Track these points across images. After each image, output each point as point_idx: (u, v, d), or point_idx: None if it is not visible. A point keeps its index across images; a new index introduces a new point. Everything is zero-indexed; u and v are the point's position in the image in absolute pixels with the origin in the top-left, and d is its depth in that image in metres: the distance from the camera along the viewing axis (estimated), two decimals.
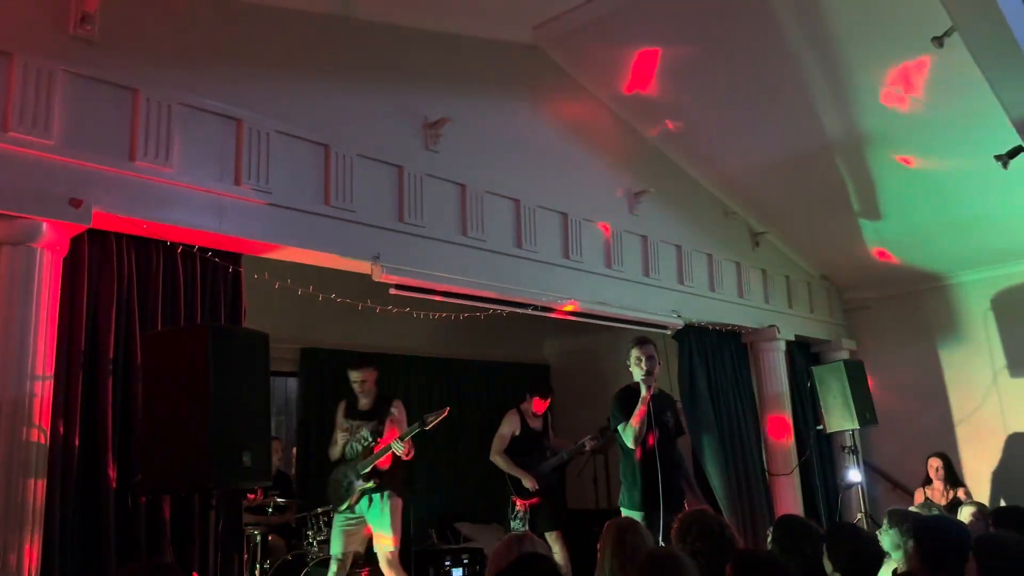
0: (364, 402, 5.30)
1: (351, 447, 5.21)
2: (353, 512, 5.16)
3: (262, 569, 5.89)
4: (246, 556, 5.92)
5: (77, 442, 3.31)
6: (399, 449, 4.98)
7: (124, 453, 3.43)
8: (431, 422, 5.09)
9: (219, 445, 2.86)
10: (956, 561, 2.74)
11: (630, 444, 4.77)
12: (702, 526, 3.15)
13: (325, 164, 4.24)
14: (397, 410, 5.29)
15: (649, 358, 4.93)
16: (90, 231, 3.49)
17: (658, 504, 4.63)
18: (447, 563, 7.26)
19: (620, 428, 4.85)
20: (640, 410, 4.76)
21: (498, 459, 6.46)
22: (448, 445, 8.36)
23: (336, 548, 5.11)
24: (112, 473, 3.35)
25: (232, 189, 3.88)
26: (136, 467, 3.28)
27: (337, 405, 5.43)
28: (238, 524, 3.68)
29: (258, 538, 5.92)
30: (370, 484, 5.04)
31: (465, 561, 7.37)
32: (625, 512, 4.80)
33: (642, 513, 4.70)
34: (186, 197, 3.71)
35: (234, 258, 4.00)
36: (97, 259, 3.55)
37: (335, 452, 5.33)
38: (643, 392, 4.79)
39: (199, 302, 3.84)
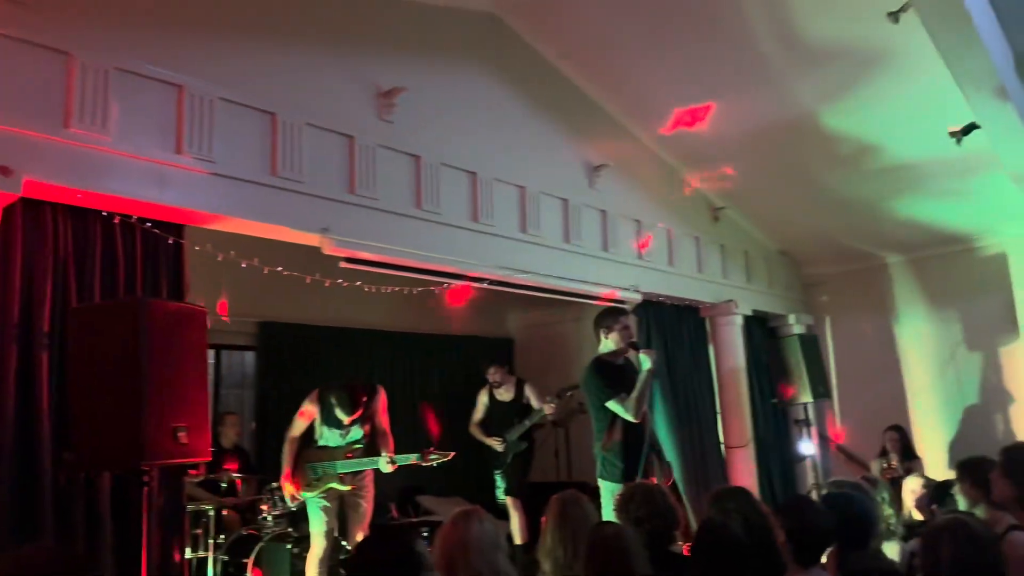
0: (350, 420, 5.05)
1: (336, 437, 5.06)
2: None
3: (215, 544, 5.83)
4: (200, 532, 5.87)
5: (12, 418, 3.22)
6: (385, 468, 4.91)
7: (61, 429, 3.33)
8: (430, 461, 4.94)
9: (153, 422, 2.78)
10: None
11: (633, 418, 4.63)
12: (645, 495, 3.16)
13: (272, 133, 4.12)
14: (381, 403, 5.16)
15: (634, 330, 4.95)
16: (23, 200, 3.36)
17: (640, 475, 4.63)
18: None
19: (615, 402, 4.68)
20: (647, 382, 4.69)
21: (473, 430, 6.79)
22: (410, 419, 8.33)
23: (318, 524, 4.96)
24: (48, 449, 3.25)
25: (173, 158, 3.76)
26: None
27: (313, 395, 5.14)
28: (179, 501, 3.61)
29: (211, 513, 5.86)
30: (346, 488, 4.97)
31: (425, 534, 7.34)
32: (605, 484, 4.73)
33: (623, 485, 4.65)
34: (125, 166, 3.59)
35: (176, 229, 3.89)
36: (31, 230, 3.42)
37: (295, 436, 5.15)
38: (647, 364, 4.71)
39: (139, 275, 3.74)
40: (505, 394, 6.45)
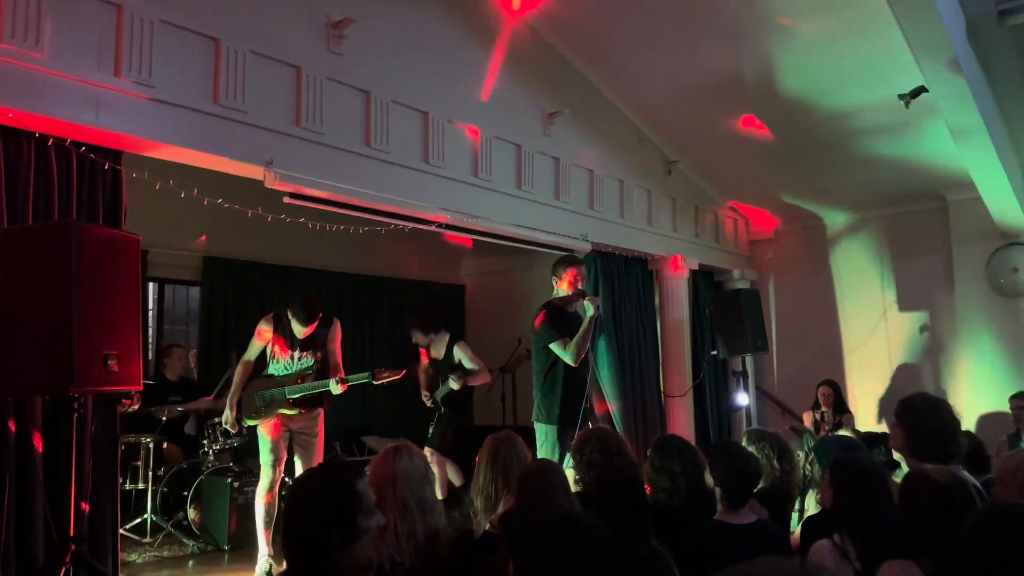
0: (305, 330, 4.91)
1: (284, 366, 4.96)
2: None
3: (154, 476, 5.84)
4: (139, 463, 5.86)
5: None
6: (336, 390, 4.87)
7: None
8: (382, 379, 4.91)
9: (82, 348, 2.75)
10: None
11: (572, 361, 4.71)
12: (601, 440, 3.25)
13: (215, 59, 4.00)
14: (336, 332, 5.10)
15: (584, 279, 4.98)
16: None
17: (576, 420, 4.72)
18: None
19: (557, 345, 4.75)
20: (588, 328, 4.75)
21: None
22: (358, 360, 8.34)
23: (265, 455, 4.87)
24: None
25: (111, 81, 3.64)
26: None
27: (267, 318, 5.00)
28: (112, 429, 3.59)
29: (151, 445, 5.85)
30: (294, 412, 4.93)
31: (367, 474, 7.46)
32: (540, 427, 4.82)
33: (557, 427, 4.75)
34: (59, 86, 3.47)
35: (113, 155, 3.78)
36: None
37: (249, 359, 5.02)
38: (591, 311, 4.76)
39: (75, 200, 3.64)
40: (435, 351, 6.39)
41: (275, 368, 4.98)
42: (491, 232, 5.73)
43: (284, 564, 2.03)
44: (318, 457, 5.00)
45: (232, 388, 4.97)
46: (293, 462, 5.09)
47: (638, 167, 7.02)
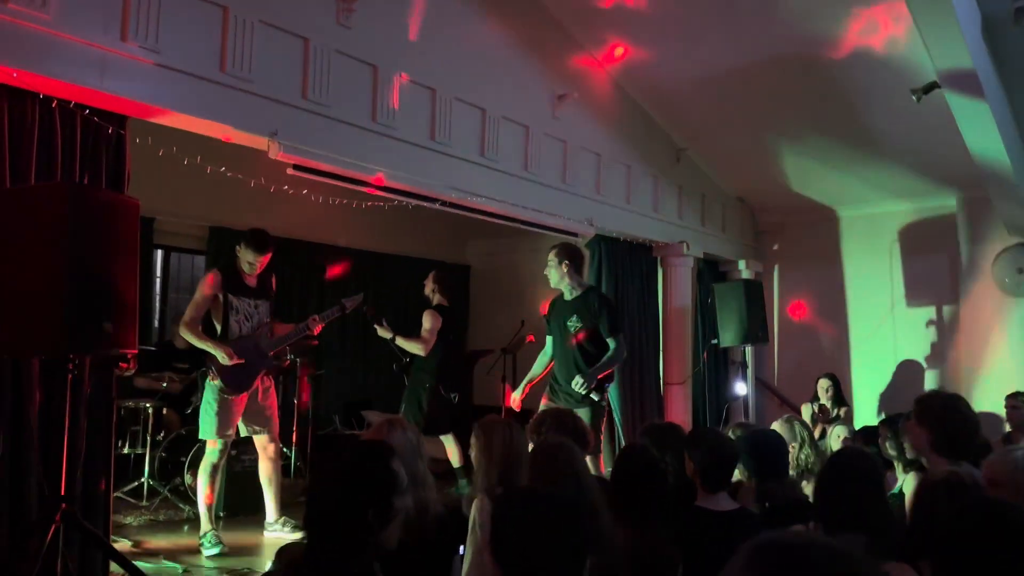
0: (251, 279, 4.86)
1: (248, 328, 4.82)
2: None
3: (153, 442, 5.89)
4: (138, 428, 5.91)
5: None
6: (312, 328, 4.88)
7: None
8: (350, 307, 5.11)
9: (76, 310, 2.77)
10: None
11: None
12: (556, 419, 3.26)
13: (223, 27, 3.98)
14: (274, 282, 5.05)
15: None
16: None
17: None
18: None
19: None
20: None
21: None
22: (360, 335, 8.38)
23: (217, 429, 4.65)
24: None
25: (117, 44, 3.62)
26: None
27: (208, 277, 4.77)
28: (108, 393, 3.61)
29: (150, 411, 5.89)
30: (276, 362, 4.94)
31: None
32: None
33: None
34: (64, 48, 3.46)
35: (118, 120, 3.78)
36: None
37: (187, 322, 4.64)
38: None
39: (78, 164, 3.65)
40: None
41: (230, 327, 4.71)
42: (495, 213, 5.72)
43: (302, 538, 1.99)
44: (275, 423, 4.94)
45: (204, 345, 4.63)
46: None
47: (646, 153, 6.99)
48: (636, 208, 6.89)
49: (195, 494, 5.73)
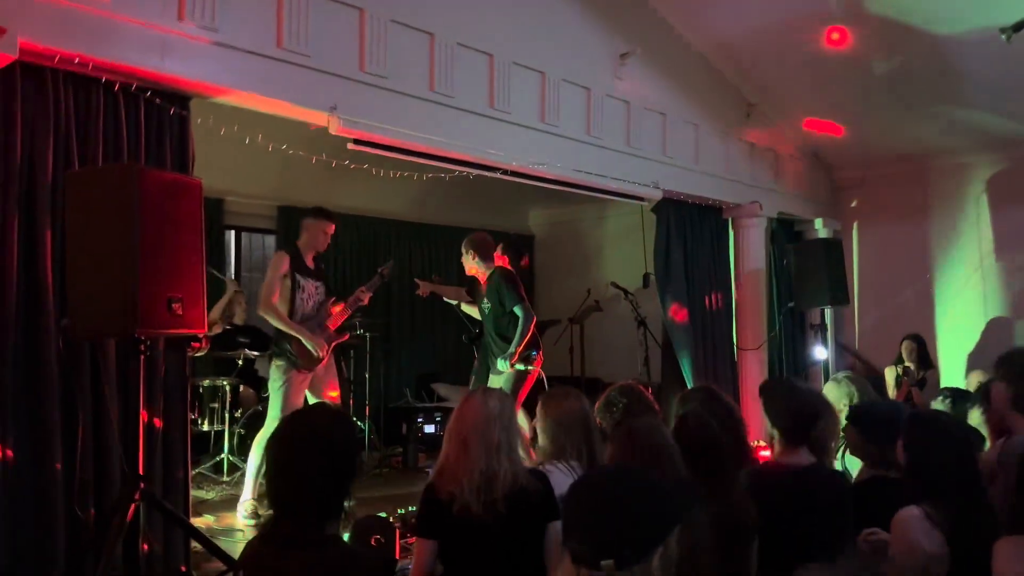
0: (311, 258, 4.95)
1: (311, 306, 4.90)
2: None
3: (231, 418, 6.04)
4: (215, 405, 6.07)
5: (16, 285, 3.25)
6: (363, 300, 5.11)
7: (64, 296, 3.36)
8: (386, 273, 5.28)
9: (146, 290, 2.79)
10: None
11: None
12: (631, 395, 3.18)
13: (278, 2, 3.95)
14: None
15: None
16: (22, 64, 3.29)
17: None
18: (419, 420, 7.45)
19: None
20: None
21: None
22: (428, 309, 8.41)
23: (283, 408, 4.64)
24: (52, 315, 3.30)
25: (176, 25, 3.63)
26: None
27: (277, 256, 4.91)
28: (182, 371, 3.67)
29: (227, 388, 6.03)
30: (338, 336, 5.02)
31: (438, 419, 7.56)
32: None
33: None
34: (125, 31, 3.48)
35: (180, 101, 3.81)
36: (32, 95, 3.36)
37: (273, 305, 4.71)
38: None
39: (143, 146, 3.69)
40: None
41: (298, 309, 4.80)
42: (557, 179, 5.60)
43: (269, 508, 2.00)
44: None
45: (289, 331, 4.72)
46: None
47: (714, 110, 6.72)
48: (705, 168, 6.66)
49: None
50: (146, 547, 3.00)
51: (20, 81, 3.32)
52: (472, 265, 5.41)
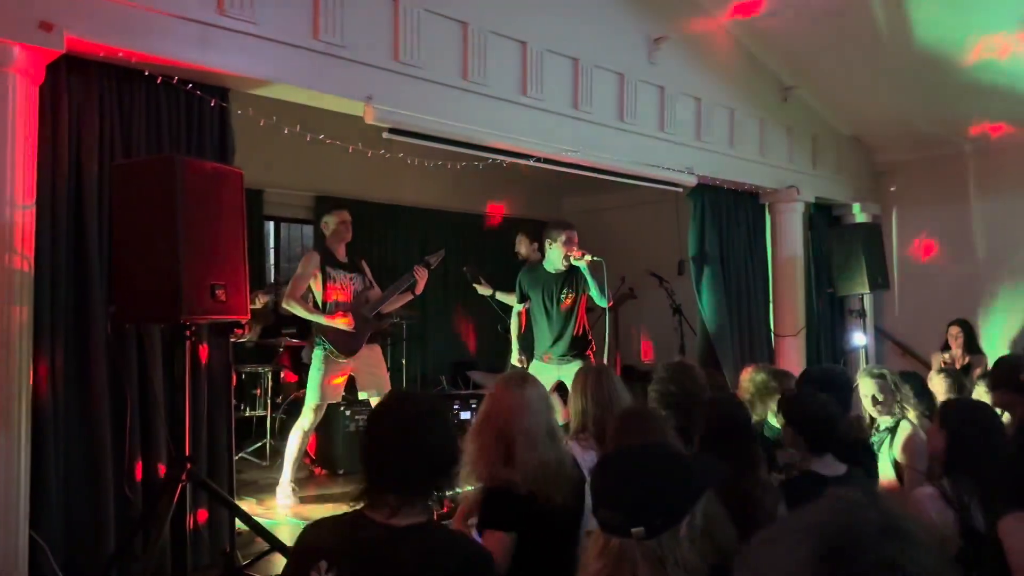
0: (342, 251, 5.08)
1: (340, 294, 5.00)
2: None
3: (273, 404, 6.17)
4: (258, 392, 6.21)
5: (65, 272, 3.38)
6: (417, 289, 5.12)
7: (111, 283, 3.47)
8: (434, 262, 5.20)
9: (189, 277, 2.87)
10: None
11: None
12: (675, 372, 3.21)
13: None
14: (365, 263, 5.26)
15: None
16: (68, 60, 3.39)
17: None
18: (456, 407, 7.52)
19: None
20: None
21: None
22: (464, 297, 8.48)
23: (320, 395, 4.88)
24: (100, 302, 3.41)
25: (215, 18, 3.70)
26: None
27: (308, 255, 5.08)
28: (226, 357, 3.77)
29: (268, 375, 6.17)
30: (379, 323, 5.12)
31: (474, 406, 7.62)
32: None
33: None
34: (165, 25, 3.56)
35: (220, 93, 3.89)
36: (77, 89, 3.48)
37: (297, 298, 4.83)
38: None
39: (184, 138, 3.78)
40: None
41: (332, 301, 4.94)
42: (590, 166, 5.59)
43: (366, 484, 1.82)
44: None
45: (314, 318, 4.86)
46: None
47: (750, 94, 6.64)
48: (741, 153, 6.59)
49: (313, 453, 6.01)
50: (192, 526, 3.09)
51: (67, 75, 3.44)
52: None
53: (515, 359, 5.38)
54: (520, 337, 5.42)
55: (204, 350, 3.65)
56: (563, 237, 5.03)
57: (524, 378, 2.71)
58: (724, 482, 1.72)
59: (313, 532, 1.82)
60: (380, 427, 1.85)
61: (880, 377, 3.67)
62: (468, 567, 1.72)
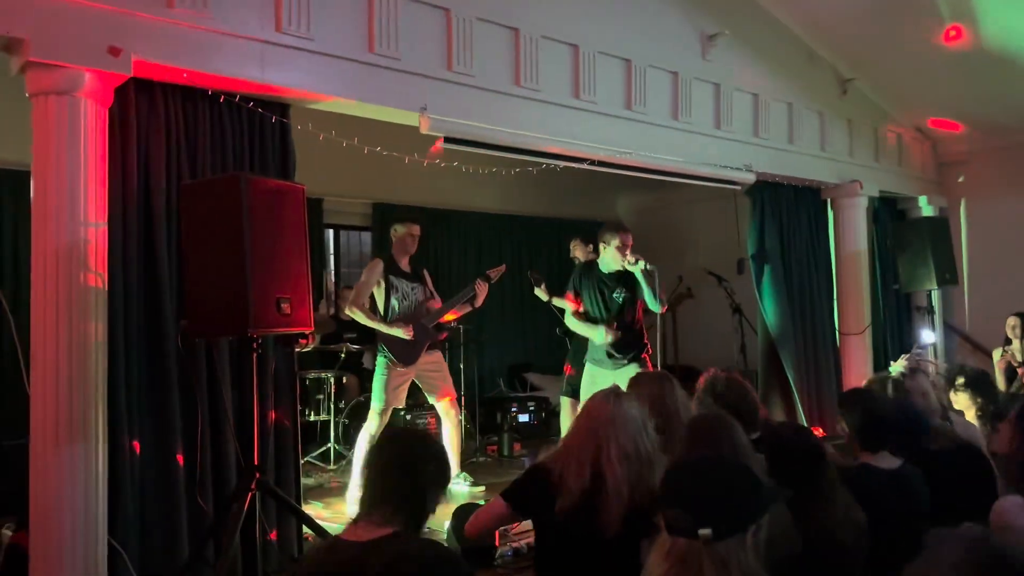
0: (405, 262, 5.14)
1: (406, 306, 5.07)
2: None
3: (336, 408, 6.29)
4: (321, 397, 6.33)
5: (136, 288, 3.50)
6: (477, 301, 5.15)
7: (182, 300, 3.58)
8: (495, 277, 5.22)
9: (256, 293, 2.95)
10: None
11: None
12: (728, 382, 3.13)
13: (368, 8, 4.07)
14: (427, 273, 5.33)
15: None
16: (135, 81, 3.51)
17: None
18: (514, 409, 7.56)
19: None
20: None
21: None
22: (520, 300, 8.51)
23: (385, 400, 4.94)
24: (171, 319, 3.52)
25: (273, 36, 3.79)
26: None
27: (372, 263, 5.15)
28: (291, 367, 3.86)
29: (332, 380, 6.28)
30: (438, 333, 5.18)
31: (531, 408, 7.66)
32: None
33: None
34: (226, 44, 3.66)
35: (280, 108, 3.98)
36: (144, 110, 3.59)
37: (360, 304, 4.95)
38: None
39: (247, 154, 3.88)
40: None
41: (392, 308, 5.01)
42: (646, 167, 5.54)
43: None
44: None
45: (377, 327, 4.95)
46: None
47: (808, 88, 6.50)
48: (800, 148, 6.45)
49: None
50: (261, 534, 3.17)
51: (134, 97, 3.55)
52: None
53: (602, 334, 4.92)
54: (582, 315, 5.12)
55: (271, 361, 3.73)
56: (616, 241, 4.91)
57: (619, 395, 2.61)
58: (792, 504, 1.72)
59: (306, 561, 2.02)
60: (369, 464, 2.03)
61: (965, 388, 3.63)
62: (433, 568, 1.79)
